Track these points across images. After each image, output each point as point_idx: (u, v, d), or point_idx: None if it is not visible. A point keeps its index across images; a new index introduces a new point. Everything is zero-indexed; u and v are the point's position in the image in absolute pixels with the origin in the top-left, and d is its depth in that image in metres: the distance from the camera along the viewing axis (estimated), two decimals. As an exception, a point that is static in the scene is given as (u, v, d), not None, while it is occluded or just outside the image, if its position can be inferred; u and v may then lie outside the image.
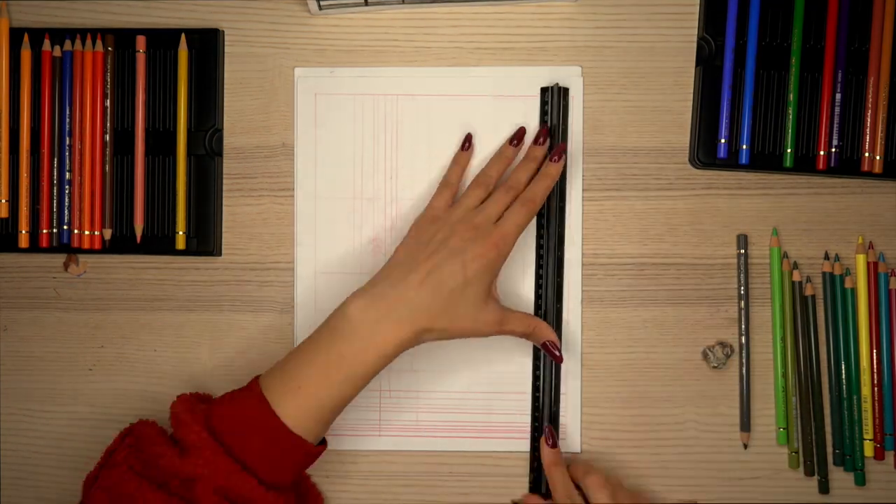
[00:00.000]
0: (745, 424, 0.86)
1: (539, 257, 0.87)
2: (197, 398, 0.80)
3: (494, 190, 0.84)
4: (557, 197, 0.86)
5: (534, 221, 0.86)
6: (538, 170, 0.85)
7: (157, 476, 0.75)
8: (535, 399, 0.86)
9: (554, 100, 0.86)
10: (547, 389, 0.86)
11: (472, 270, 0.78)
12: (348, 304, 0.77)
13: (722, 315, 0.87)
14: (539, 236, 0.87)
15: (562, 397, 0.87)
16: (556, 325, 0.86)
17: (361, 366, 0.76)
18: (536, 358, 0.86)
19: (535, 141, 0.85)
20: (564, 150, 0.85)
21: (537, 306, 0.86)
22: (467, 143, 0.87)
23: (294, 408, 0.76)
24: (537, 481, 0.86)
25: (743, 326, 0.86)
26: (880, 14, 0.86)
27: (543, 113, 0.87)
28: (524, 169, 0.84)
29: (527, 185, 0.84)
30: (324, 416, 0.77)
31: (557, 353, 0.83)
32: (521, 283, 0.87)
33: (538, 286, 0.87)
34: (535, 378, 0.86)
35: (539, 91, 0.87)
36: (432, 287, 0.77)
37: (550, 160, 0.84)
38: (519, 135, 0.86)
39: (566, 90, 0.87)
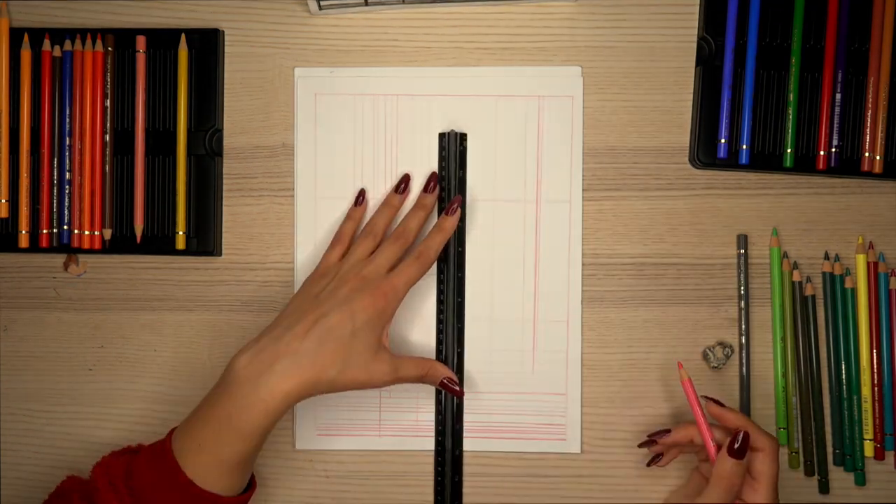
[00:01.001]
0: (745, 425, 0.86)
1: (439, 302, 0.87)
2: (114, 459, 0.79)
3: (384, 240, 0.83)
4: (455, 243, 0.86)
5: (435, 266, 0.87)
6: (427, 217, 0.85)
7: None
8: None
9: (451, 147, 0.86)
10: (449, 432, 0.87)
11: (360, 320, 0.77)
12: (234, 360, 0.77)
13: (722, 315, 0.87)
14: (439, 281, 0.86)
15: (559, 398, 0.87)
16: (458, 370, 0.86)
17: (248, 423, 0.75)
18: (438, 403, 0.87)
19: (425, 188, 0.85)
20: (461, 203, 0.85)
21: (438, 351, 0.87)
22: (360, 197, 0.86)
23: (200, 466, 0.75)
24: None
25: (743, 326, 0.86)
26: (880, 14, 0.85)
27: (441, 159, 0.86)
28: (413, 217, 0.84)
29: (416, 233, 0.84)
30: (229, 471, 0.76)
31: (457, 389, 0.83)
32: (420, 330, 0.87)
33: (439, 331, 0.87)
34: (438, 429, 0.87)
35: (541, 94, 0.87)
36: (318, 337, 0.76)
37: (446, 213, 0.84)
38: (404, 181, 0.86)
39: (463, 136, 0.86)
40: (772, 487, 0.78)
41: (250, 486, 0.80)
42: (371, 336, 0.78)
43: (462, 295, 0.87)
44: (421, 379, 0.82)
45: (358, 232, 0.86)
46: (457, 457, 0.87)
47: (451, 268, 0.87)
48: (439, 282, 0.87)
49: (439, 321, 0.87)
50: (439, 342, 0.87)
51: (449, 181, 0.86)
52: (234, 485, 0.77)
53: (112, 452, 0.80)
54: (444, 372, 0.83)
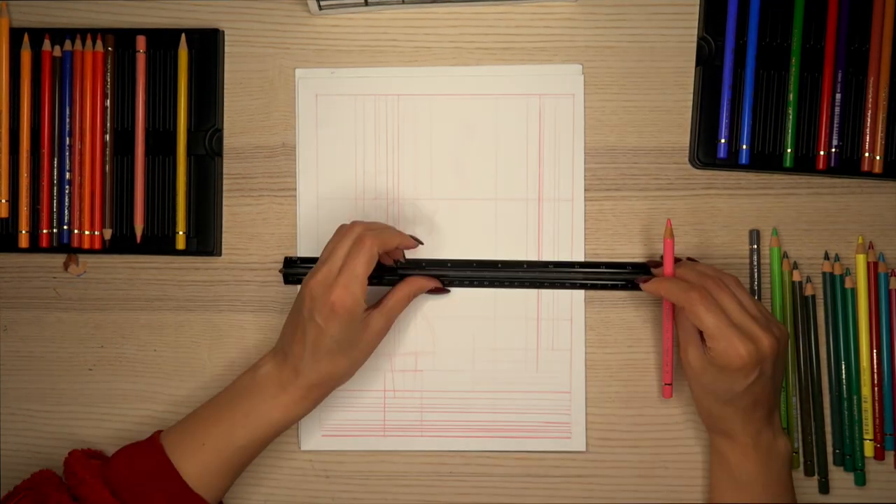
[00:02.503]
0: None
1: None
2: (88, 454, 0.81)
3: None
4: None
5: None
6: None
7: None
8: None
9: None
10: None
11: (329, 324, 0.77)
12: (260, 366, 0.80)
13: (722, 315, 0.87)
14: None
15: (564, 396, 0.87)
16: None
17: (269, 425, 0.78)
18: None
19: (431, 290, 0.86)
20: (442, 291, 0.87)
21: None
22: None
23: (196, 465, 0.77)
24: None
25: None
26: (880, 14, 0.86)
27: None
28: (399, 240, 0.82)
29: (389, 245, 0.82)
30: (226, 473, 0.78)
31: (444, 289, 0.86)
32: None
33: None
34: None
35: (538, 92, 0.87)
36: (311, 356, 0.78)
37: (428, 287, 0.85)
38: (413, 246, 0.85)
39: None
40: (716, 335, 0.76)
41: None
42: (349, 329, 0.78)
43: None
44: (408, 301, 0.83)
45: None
46: None
47: None
48: None
49: None
50: None
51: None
52: (218, 492, 0.78)
53: (74, 451, 0.81)
54: (425, 284, 0.84)
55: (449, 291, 0.87)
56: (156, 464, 0.77)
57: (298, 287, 0.84)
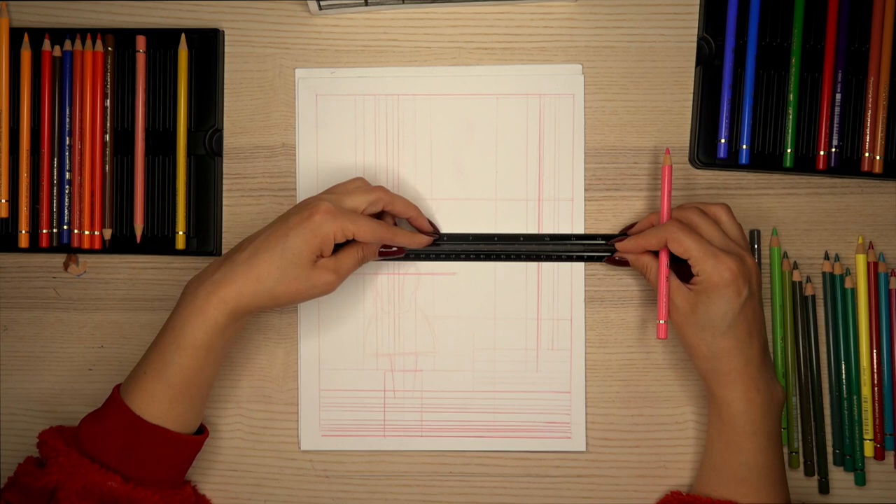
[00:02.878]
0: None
1: None
2: (67, 427, 0.81)
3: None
4: None
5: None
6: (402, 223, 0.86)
7: (32, 500, 0.76)
8: None
9: None
10: None
11: (293, 230, 0.77)
12: (187, 284, 0.79)
13: (722, 315, 0.87)
14: None
15: (564, 396, 0.87)
16: None
17: (191, 332, 0.76)
18: None
19: (430, 232, 0.86)
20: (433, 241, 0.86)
21: None
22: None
23: (144, 395, 0.77)
24: None
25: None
26: (880, 14, 0.86)
27: None
28: (401, 203, 0.83)
29: (390, 208, 0.83)
30: (175, 396, 0.77)
31: (394, 249, 0.84)
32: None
33: None
34: None
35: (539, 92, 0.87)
36: (254, 248, 0.78)
37: (421, 236, 0.85)
38: (433, 234, 0.86)
39: None
40: (702, 256, 0.77)
41: (201, 430, 0.81)
42: (305, 249, 0.77)
43: None
44: (363, 261, 0.82)
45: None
46: None
47: None
48: None
49: None
50: None
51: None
52: (181, 417, 0.78)
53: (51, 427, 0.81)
54: (374, 249, 0.83)
55: (402, 253, 0.85)
56: (110, 407, 0.77)
57: None
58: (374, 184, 0.86)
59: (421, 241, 0.85)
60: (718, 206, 0.81)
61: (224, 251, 0.88)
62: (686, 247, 0.77)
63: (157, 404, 0.77)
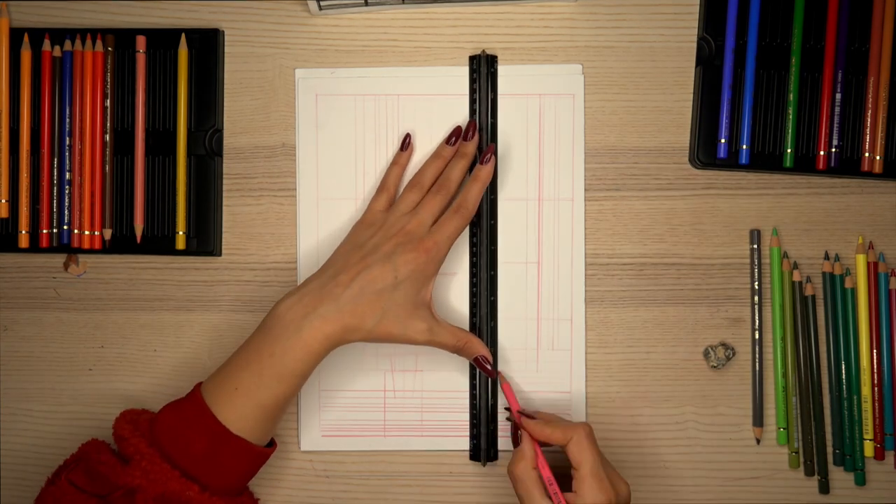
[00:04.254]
0: (758, 419, 0.86)
1: (472, 276, 0.87)
2: (138, 413, 0.81)
3: (428, 192, 0.84)
4: (488, 215, 0.86)
5: (468, 233, 0.87)
6: (468, 166, 0.85)
7: (100, 488, 0.76)
8: (472, 408, 0.87)
9: (482, 70, 0.86)
10: (483, 406, 0.86)
11: (402, 274, 0.78)
12: (278, 305, 0.79)
13: (722, 315, 0.87)
14: (472, 254, 0.87)
15: (564, 396, 0.87)
16: (491, 342, 0.86)
17: (291, 362, 0.77)
18: (472, 377, 0.87)
19: (464, 136, 0.85)
20: (494, 152, 0.85)
21: (472, 324, 0.87)
22: (406, 141, 0.86)
23: (233, 410, 0.76)
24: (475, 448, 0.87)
25: (757, 322, 0.86)
26: (880, 14, 0.86)
27: (472, 81, 0.86)
28: (455, 167, 0.84)
29: (458, 183, 0.84)
30: (264, 416, 0.77)
31: (489, 368, 0.83)
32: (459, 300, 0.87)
33: (472, 304, 0.87)
34: (472, 393, 0.87)
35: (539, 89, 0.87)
36: (360, 287, 0.78)
37: (480, 162, 0.84)
38: (456, 133, 0.85)
39: (493, 57, 0.86)
40: (592, 473, 0.77)
41: (271, 444, 0.81)
42: (411, 290, 0.79)
43: (495, 268, 0.86)
44: (456, 349, 0.82)
45: (404, 178, 0.86)
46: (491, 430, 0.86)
47: (485, 239, 0.86)
48: (472, 254, 0.87)
49: (472, 293, 0.87)
50: (472, 314, 0.87)
51: (479, 117, 0.86)
52: (261, 434, 0.78)
53: (131, 409, 0.81)
54: (480, 349, 0.83)
55: (494, 375, 0.85)
56: (195, 412, 0.77)
57: None
58: (375, 183, 0.86)
59: (468, 159, 0.85)
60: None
61: (224, 251, 0.88)
62: (588, 458, 0.77)
63: (245, 421, 0.77)
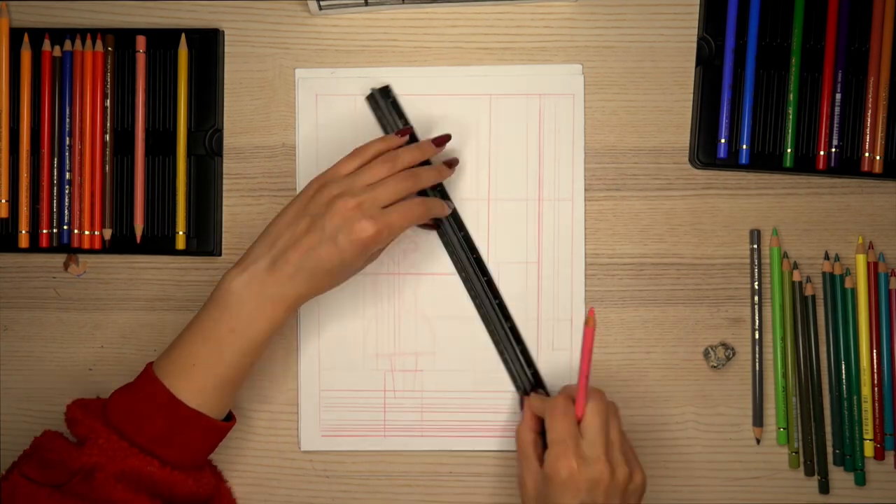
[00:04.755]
0: (758, 419, 0.86)
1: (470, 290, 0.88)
2: (89, 399, 0.82)
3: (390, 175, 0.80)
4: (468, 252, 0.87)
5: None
6: (421, 160, 0.82)
7: (56, 477, 0.76)
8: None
9: (382, 104, 0.86)
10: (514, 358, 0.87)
11: (348, 254, 0.77)
12: (230, 280, 0.78)
13: (722, 315, 0.87)
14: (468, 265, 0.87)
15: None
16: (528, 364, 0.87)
17: (256, 334, 0.77)
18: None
19: (435, 141, 0.83)
20: (455, 163, 0.85)
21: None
22: (405, 132, 0.84)
23: (190, 385, 0.77)
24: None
25: (757, 322, 0.86)
26: (880, 14, 0.86)
27: (378, 118, 0.87)
28: (408, 153, 0.81)
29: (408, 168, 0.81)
30: (223, 390, 0.78)
31: (433, 225, 0.85)
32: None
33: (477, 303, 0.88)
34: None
35: (540, 94, 0.87)
36: (310, 268, 0.77)
37: (446, 164, 0.84)
38: (445, 139, 0.84)
39: (385, 88, 0.86)
40: (556, 441, 0.77)
41: (230, 418, 0.81)
42: (360, 261, 0.79)
43: (486, 274, 0.88)
44: (412, 222, 0.80)
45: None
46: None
47: (478, 279, 0.87)
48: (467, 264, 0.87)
49: (473, 295, 0.88)
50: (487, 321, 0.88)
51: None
52: (222, 406, 0.79)
53: (82, 398, 0.82)
54: (434, 208, 0.82)
55: (437, 227, 0.86)
56: (150, 390, 0.77)
57: None
58: None
59: (444, 173, 0.84)
60: (612, 406, 0.80)
61: (224, 251, 0.88)
62: (554, 428, 0.77)
63: (204, 396, 0.77)
